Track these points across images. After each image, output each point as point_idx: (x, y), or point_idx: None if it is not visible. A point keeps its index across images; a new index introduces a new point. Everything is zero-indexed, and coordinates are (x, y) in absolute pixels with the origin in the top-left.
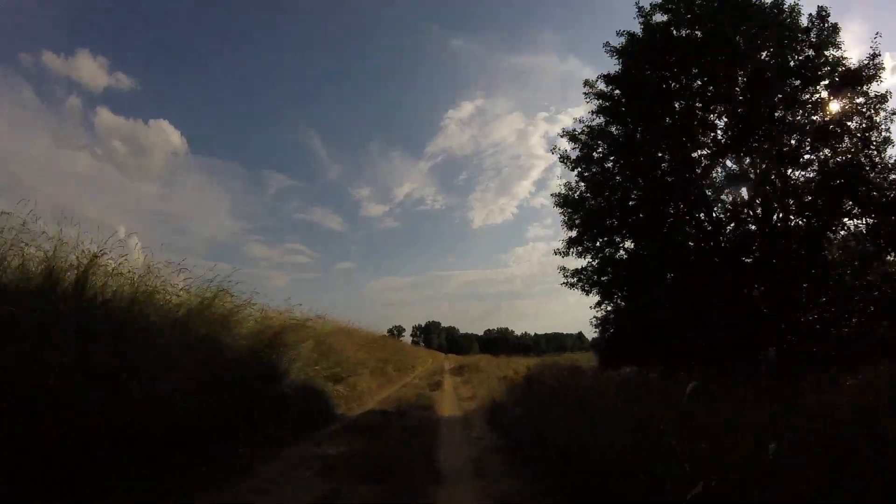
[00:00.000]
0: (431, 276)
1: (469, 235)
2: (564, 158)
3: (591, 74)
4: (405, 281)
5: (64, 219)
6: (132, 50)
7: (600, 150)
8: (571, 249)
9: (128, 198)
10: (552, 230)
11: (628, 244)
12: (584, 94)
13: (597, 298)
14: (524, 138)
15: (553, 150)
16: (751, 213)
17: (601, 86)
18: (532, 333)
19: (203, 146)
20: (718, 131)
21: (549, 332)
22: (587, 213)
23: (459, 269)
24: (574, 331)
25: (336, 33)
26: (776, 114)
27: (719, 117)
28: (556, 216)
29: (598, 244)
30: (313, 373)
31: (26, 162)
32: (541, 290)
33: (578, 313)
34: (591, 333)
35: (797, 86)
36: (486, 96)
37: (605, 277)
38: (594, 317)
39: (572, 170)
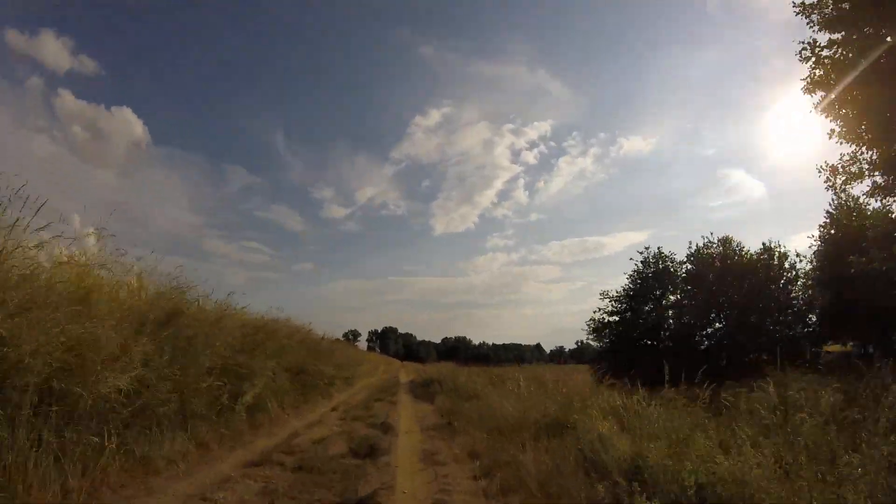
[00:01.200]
0: (391, 282)
1: (430, 242)
2: None
3: (560, 87)
4: (364, 285)
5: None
6: (98, 32)
7: None
8: None
9: (85, 185)
10: (513, 241)
11: None
12: None
13: None
14: (490, 149)
15: None
16: None
17: None
18: (490, 343)
19: (166, 137)
20: None
21: (507, 342)
22: None
23: (419, 275)
24: (532, 342)
25: (307, 31)
26: None
27: None
28: (518, 227)
29: None
30: None
31: None
32: (499, 300)
33: (535, 326)
34: (557, 343)
35: None
36: (453, 104)
37: None
38: (591, 318)
39: None
